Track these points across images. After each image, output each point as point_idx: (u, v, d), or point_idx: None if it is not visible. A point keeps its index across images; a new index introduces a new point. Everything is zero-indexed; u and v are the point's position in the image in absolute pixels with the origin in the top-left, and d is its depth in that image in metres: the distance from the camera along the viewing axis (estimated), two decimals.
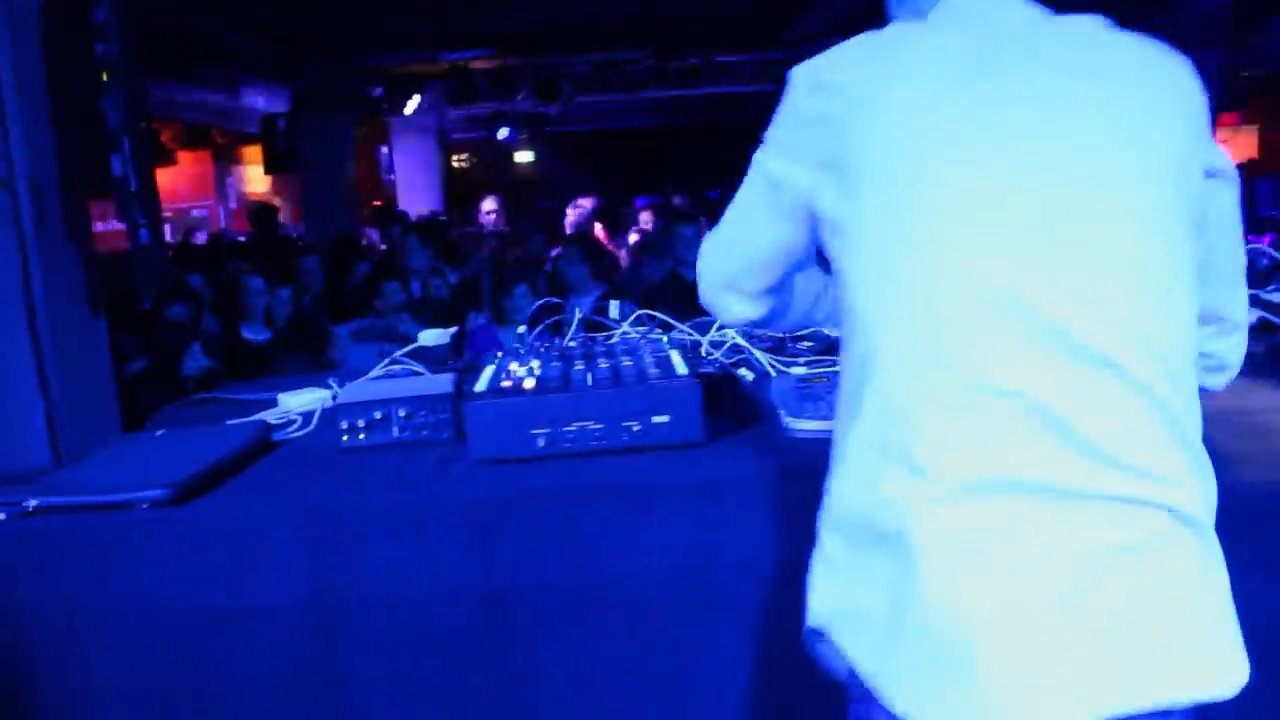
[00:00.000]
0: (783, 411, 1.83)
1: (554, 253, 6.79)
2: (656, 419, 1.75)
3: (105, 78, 2.11)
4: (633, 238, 8.57)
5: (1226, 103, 9.95)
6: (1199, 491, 1.14)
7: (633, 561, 1.63)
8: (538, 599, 1.62)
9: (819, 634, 1.25)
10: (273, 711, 1.62)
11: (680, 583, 1.64)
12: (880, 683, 1.13)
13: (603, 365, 1.85)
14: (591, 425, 1.74)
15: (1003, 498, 1.09)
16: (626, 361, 1.87)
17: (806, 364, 2.22)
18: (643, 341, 2.12)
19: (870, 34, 1.27)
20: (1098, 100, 1.19)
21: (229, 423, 2.08)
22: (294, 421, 2.10)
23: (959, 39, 1.23)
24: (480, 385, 1.83)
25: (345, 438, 1.88)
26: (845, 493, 1.22)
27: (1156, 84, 1.23)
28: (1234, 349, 1.42)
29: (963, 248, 1.14)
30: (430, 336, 2.40)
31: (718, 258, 1.50)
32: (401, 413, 1.89)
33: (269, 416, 2.14)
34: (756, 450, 1.74)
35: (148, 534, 1.61)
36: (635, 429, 1.75)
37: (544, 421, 1.74)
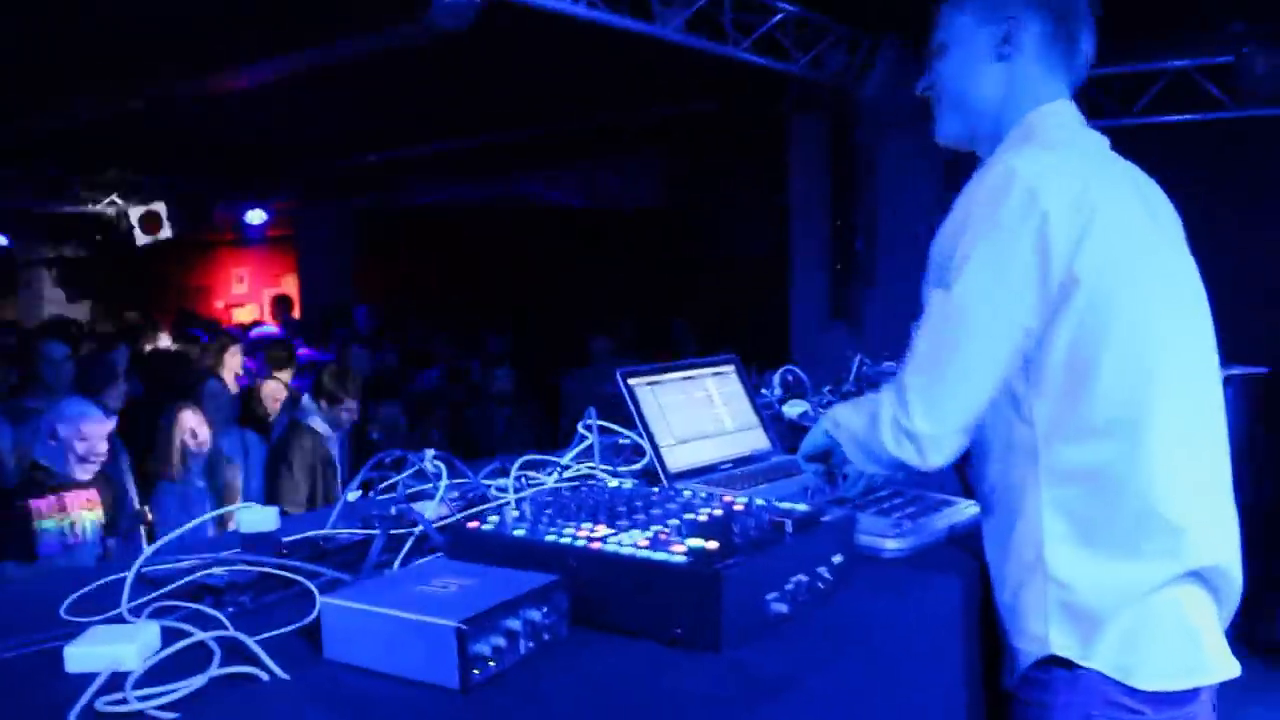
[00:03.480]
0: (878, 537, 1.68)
1: None
2: (835, 559, 1.48)
3: None
4: None
5: None
6: None
7: None
8: None
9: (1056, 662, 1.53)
10: None
11: None
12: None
13: (714, 512, 1.49)
14: (802, 578, 1.39)
15: None
16: (711, 511, 1.53)
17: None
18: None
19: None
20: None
21: None
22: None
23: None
24: (646, 552, 1.30)
25: (476, 671, 1.14)
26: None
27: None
28: None
29: None
30: (255, 518, 1.51)
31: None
32: (535, 616, 1.23)
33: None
34: (878, 577, 1.59)
35: None
36: (825, 574, 1.45)
37: (773, 583, 1.34)
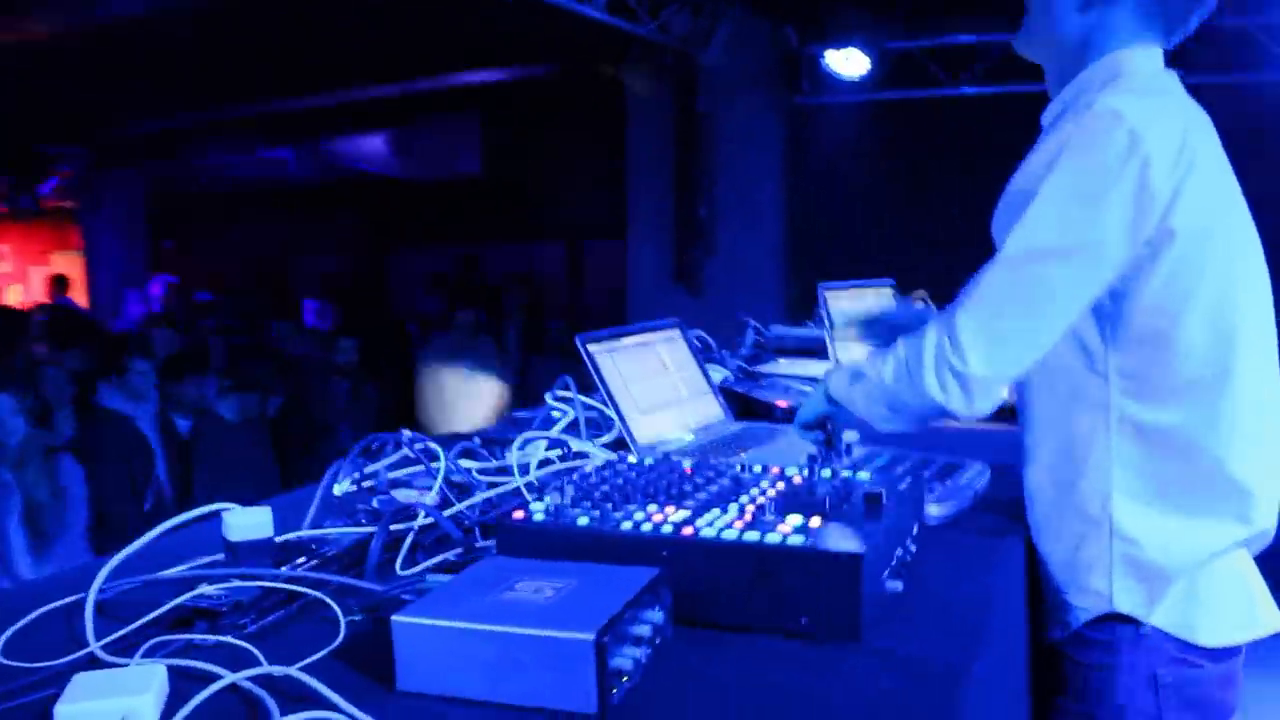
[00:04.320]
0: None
1: None
2: (915, 529, 1.37)
3: None
4: None
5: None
6: None
7: None
8: None
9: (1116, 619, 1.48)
10: None
11: None
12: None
13: (780, 486, 1.35)
14: (899, 551, 1.27)
15: None
16: (775, 484, 1.39)
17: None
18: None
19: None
20: None
21: None
22: None
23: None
24: (754, 534, 1.13)
25: (614, 689, 0.95)
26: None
27: None
28: None
29: None
30: (246, 522, 1.22)
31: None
32: (655, 618, 1.04)
33: None
34: (938, 543, 1.48)
35: None
36: (911, 546, 1.33)
37: (886, 560, 1.20)
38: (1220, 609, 1.48)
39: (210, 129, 9.09)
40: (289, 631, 1.17)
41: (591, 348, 2.05)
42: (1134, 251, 1.37)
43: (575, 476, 1.40)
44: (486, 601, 1.02)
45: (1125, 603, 1.47)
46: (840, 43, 6.14)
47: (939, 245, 6.23)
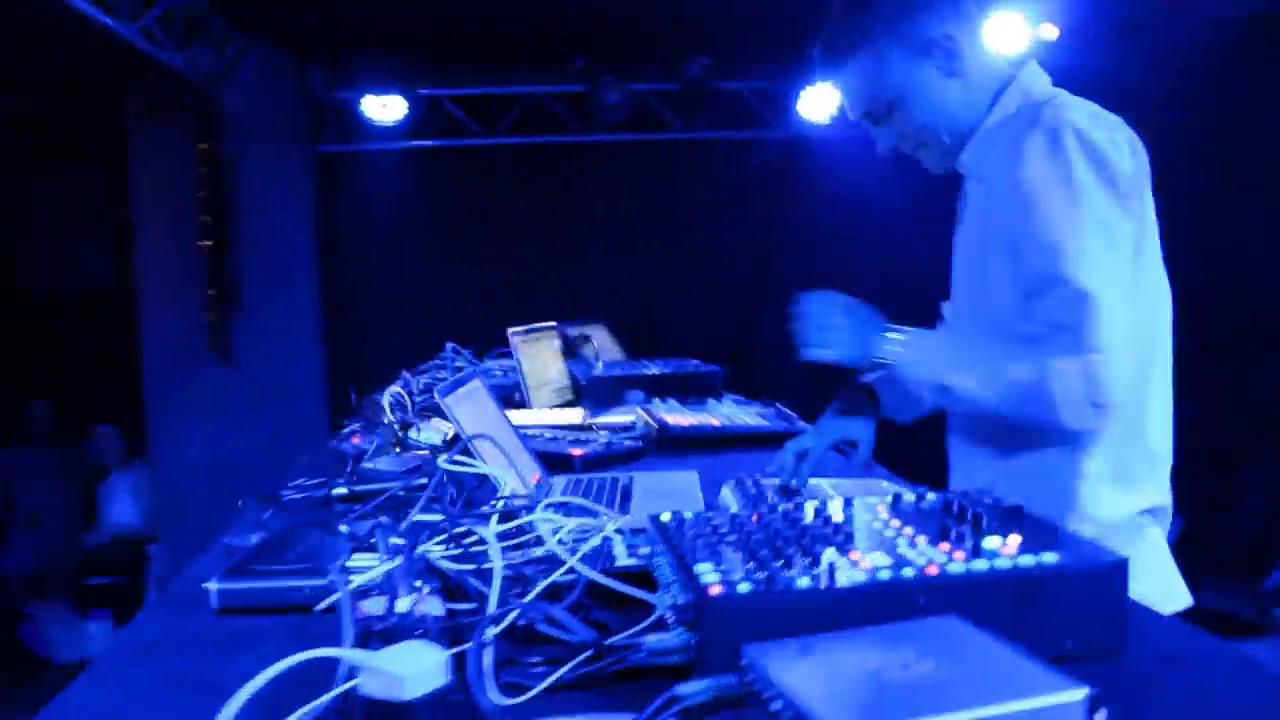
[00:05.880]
0: None
1: None
2: None
3: None
4: None
5: None
6: None
7: None
8: None
9: None
10: None
11: None
12: None
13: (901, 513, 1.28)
14: None
15: None
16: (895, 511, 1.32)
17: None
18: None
19: None
20: None
21: None
22: None
23: None
24: (1041, 559, 1.07)
25: None
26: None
27: None
28: None
29: None
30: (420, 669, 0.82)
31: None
32: None
33: None
34: None
35: None
36: None
37: None
38: (1159, 578, 1.66)
39: None
40: None
41: (449, 401, 1.80)
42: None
43: (693, 534, 1.19)
44: (897, 693, 0.83)
45: None
46: (371, 88, 5.94)
47: (478, 295, 6.30)
